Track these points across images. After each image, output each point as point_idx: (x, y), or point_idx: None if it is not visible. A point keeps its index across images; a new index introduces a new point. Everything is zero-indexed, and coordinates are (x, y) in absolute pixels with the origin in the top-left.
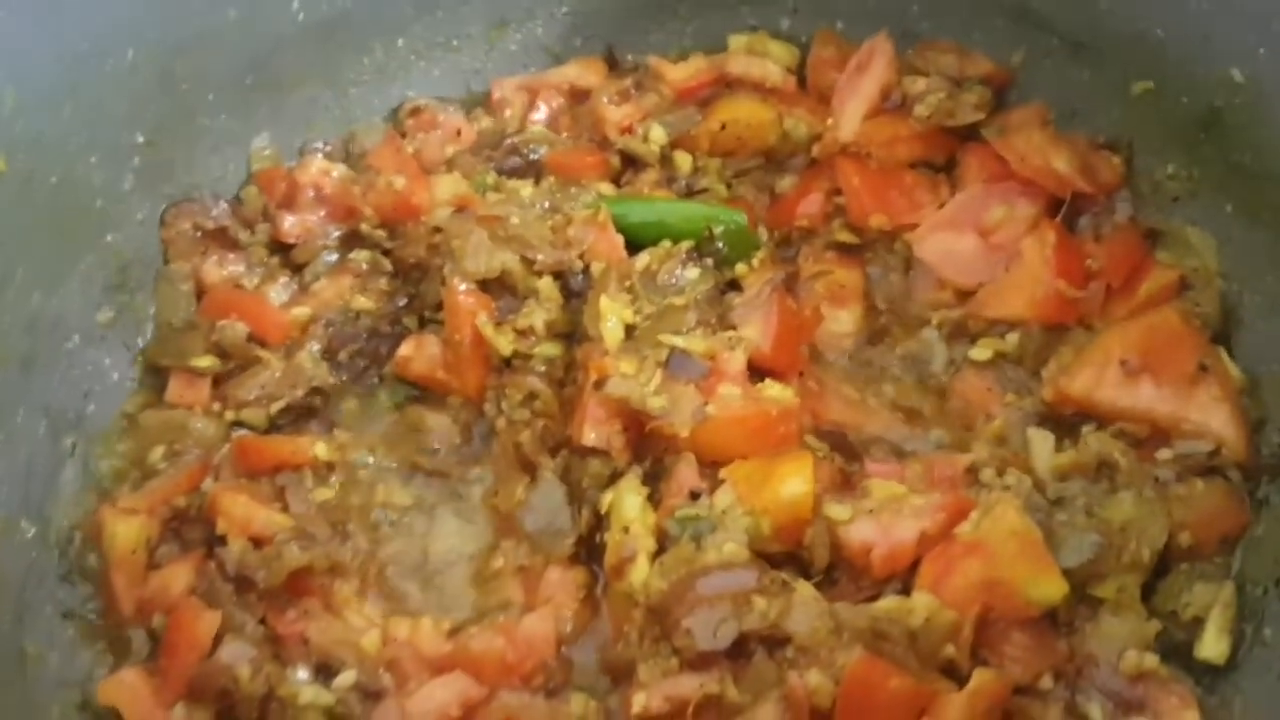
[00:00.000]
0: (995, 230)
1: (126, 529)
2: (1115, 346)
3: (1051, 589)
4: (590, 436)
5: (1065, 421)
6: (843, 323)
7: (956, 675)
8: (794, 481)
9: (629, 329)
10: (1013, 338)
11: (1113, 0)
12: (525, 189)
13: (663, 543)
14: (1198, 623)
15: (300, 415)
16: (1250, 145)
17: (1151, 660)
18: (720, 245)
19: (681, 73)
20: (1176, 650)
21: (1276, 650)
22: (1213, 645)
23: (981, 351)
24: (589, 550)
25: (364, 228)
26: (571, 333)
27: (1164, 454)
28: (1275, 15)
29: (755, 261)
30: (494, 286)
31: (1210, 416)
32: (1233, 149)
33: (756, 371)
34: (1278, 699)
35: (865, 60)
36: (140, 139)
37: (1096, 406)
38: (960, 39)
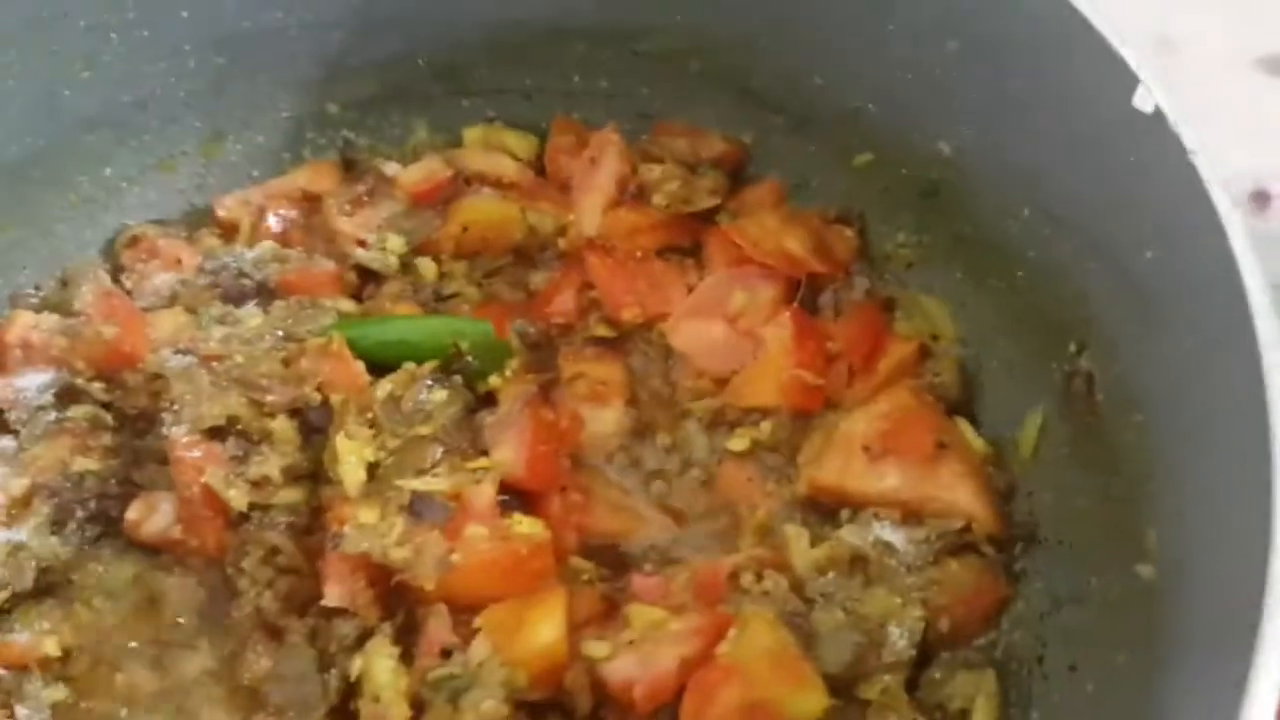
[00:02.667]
0: (740, 316)
1: None
2: (857, 433)
3: (811, 702)
4: (334, 595)
5: (824, 508)
6: (606, 422)
7: None
8: (544, 628)
9: (372, 468)
10: (766, 426)
11: (825, 78)
12: (254, 319)
13: (420, 706)
14: (964, 715)
15: (29, 598)
16: (967, 215)
17: None
18: (469, 360)
19: (415, 175)
20: None
21: None
22: None
23: (739, 442)
24: (344, 718)
25: (79, 382)
26: (315, 473)
27: (917, 534)
28: (976, 95)
29: (509, 372)
30: (224, 433)
31: (955, 494)
32: (954, 218)
33: (515, 493)
34: None
35: (597, 154)
36: None
37: (848, 495)
38: (693, 119)
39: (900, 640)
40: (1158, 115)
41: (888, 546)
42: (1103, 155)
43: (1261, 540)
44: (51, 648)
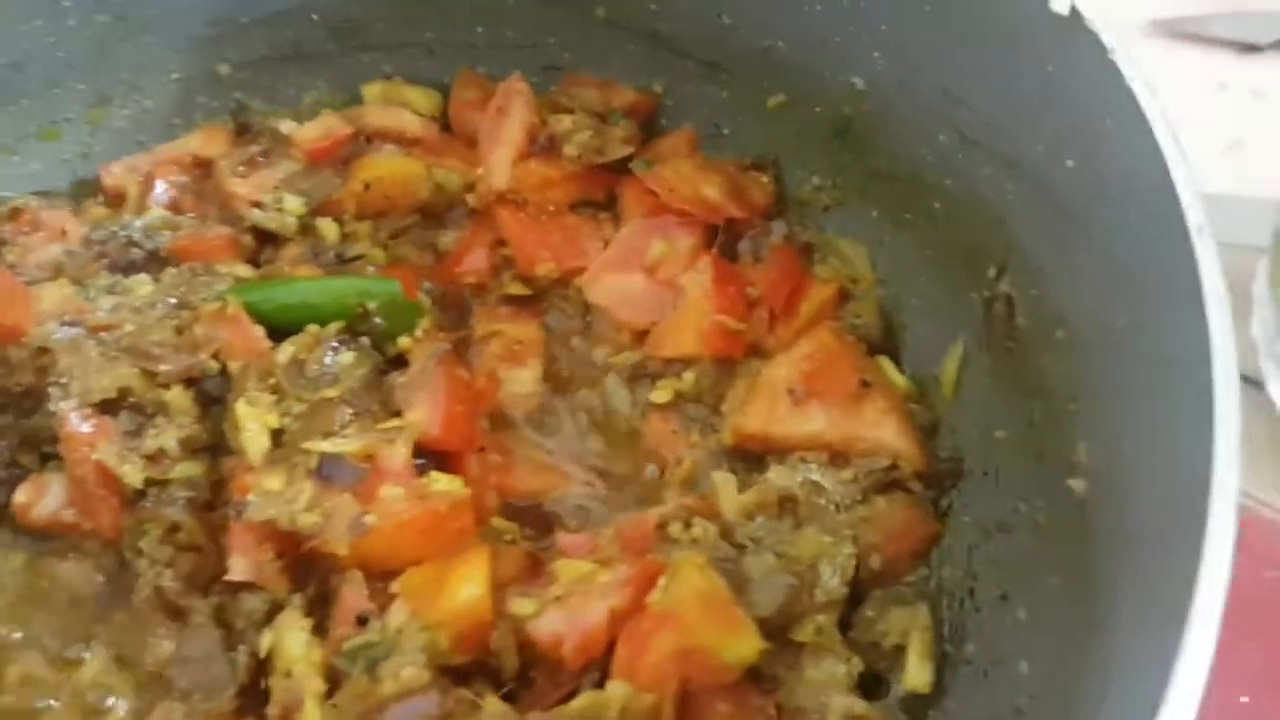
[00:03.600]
0: (659, 266)
1: None
2: (780, 376)
3: (746, 647)
4: (239, 568)
5: (752, 456)
6: (523, 382)
7: None
8: (466, 586)
9: (276, 434)
10: (689, 376)
11: (733, 17)
12: (144, 287)
13: (336, 678)
14: (899, 651)
15: None
16: (882, 150)
17: (860, 706)
18: (376, 320)
19: (312, 133)
20: (882, 684)
21: (980, 665)
22: (916, 674)
23: (661, 394)
24: (256, 700)
25: None
26: (216, 445)
27: (844, 474)
28: (886, 20)
29: (419, 332)
30: (116, 407)
31: (880, 431)
32: (867, 154)
33: (431, 455)
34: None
35: (504, 104)
36: None
37: (773, 440)
38: (600, 70)
39: (832, 579)
40: (1074, 16)
41: (816, 486)
42: (1019, 67)
43: (1205, 437)
44: None
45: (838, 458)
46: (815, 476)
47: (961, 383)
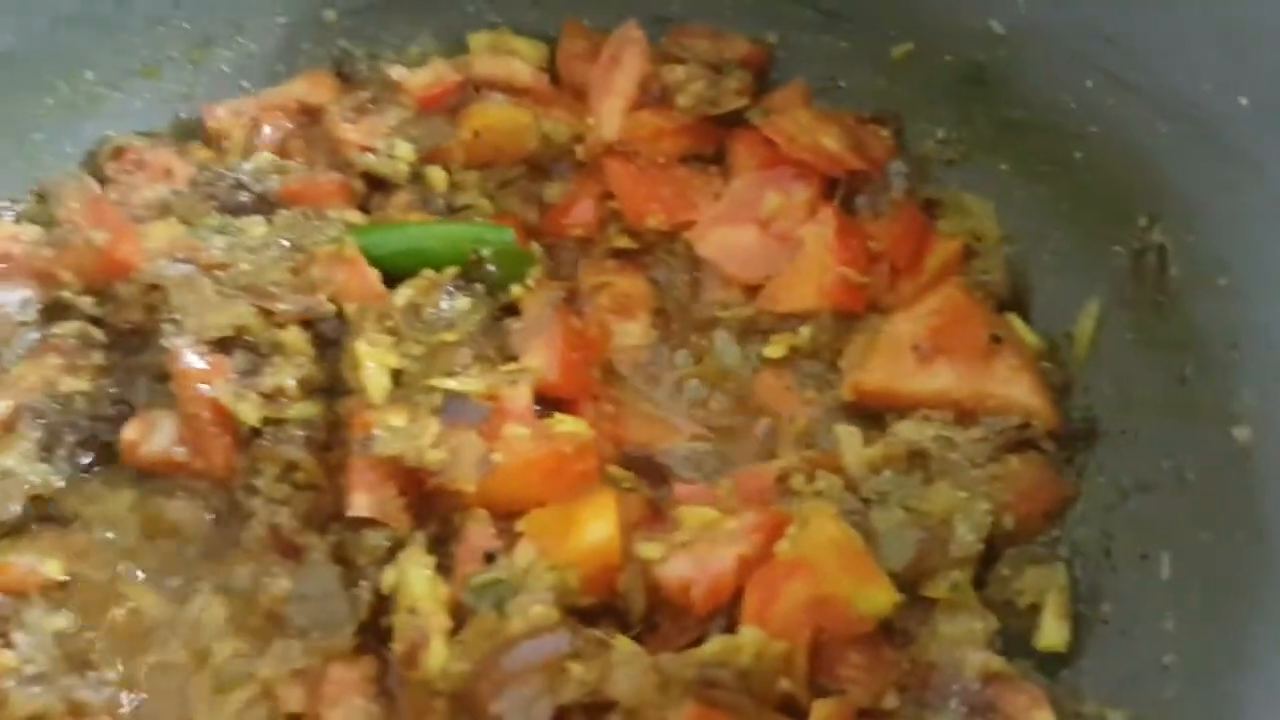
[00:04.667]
0: (774, 220)
1: None
2: (905, 333)
3: (881, 598)
4: (361, 504)
5: (870, 413)
6: (632, 334)
7: (796, 710)
8: (596, 526)
9: (396, 375)
10: (805, 331)
11: None
12: (257, 228)
13: (460, 616)
14: (1035, 610)
15: (17, 529)
16: (1018, 98)
17: (997, 661)
18: (489, 268)
19: (422, 80)
20: (1018, 642)
21: (1117, 625)
22: (1052, 633)
23: (775, 349)
24: (376, 636)
25: (66, 295)
26: (332, 387)
27: (973, 433)
28: None
29: (530, 281)
30: (230, 345)
31: (1012, 388)
32: (1001, 104)
33: (546, 403)
34: (1126, 678)
35: (617, 53)
36: None
37: (897, 397)
38: (713, 20)
39: (968, 535)
40: None
41: (948, 441)
42: None
43: None
44: (54, 570)
45: (965, 415)
46: (946, 432)
47: (1097, 341)
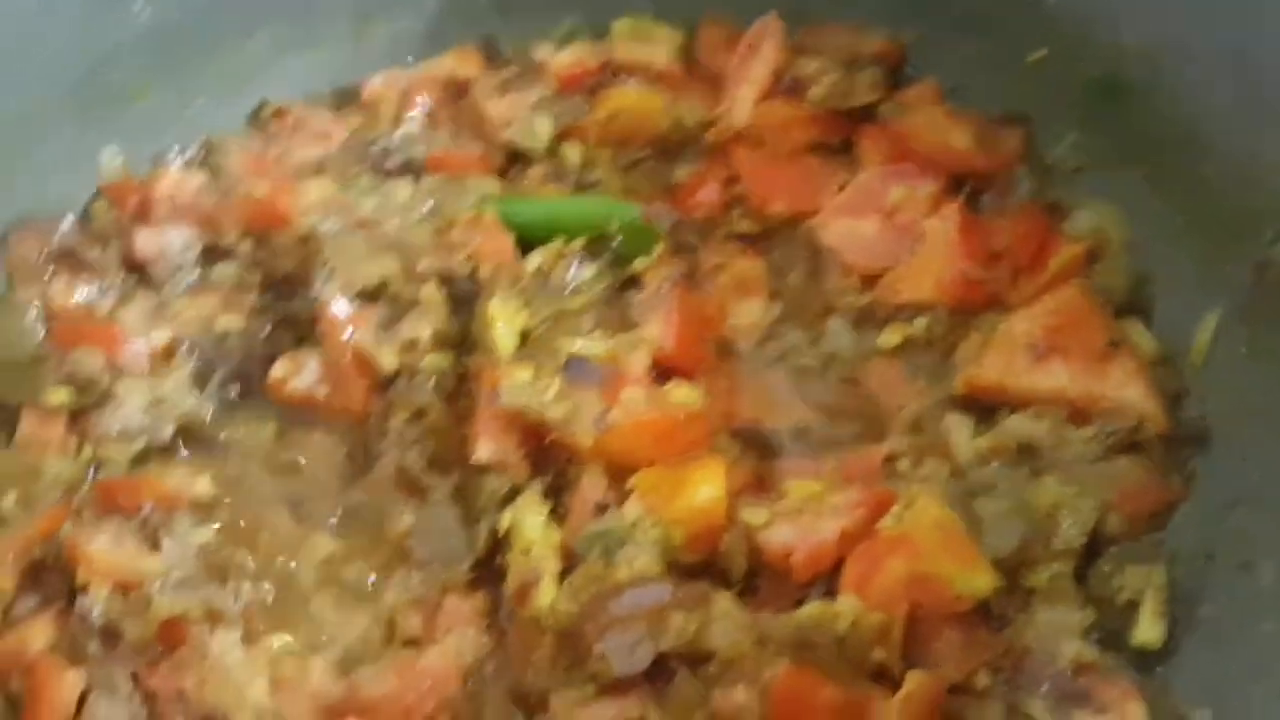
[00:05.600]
0: (897, 211)
1: None
2: (1021, 331)
3: (981, 580)
4: (485, 451)
5: (980, 408)
6: (749, 315)
7: (888, 679)
8: (705, 488)
9: (523, 335)
10: (921, 322)
11: None
12: (403, 191)
13: (570, 561)
14: (1132, 607)
15: (167, 450)
16: (1150, 110)
17: (1091, 652)
18: (616, 241)
19: (565, 61)
20: (1113, 637)
21: (1215, 627)
22: (1148, 630)
23: (890, 338)
24: (491, 574)
25: (227, 240)
26: (462, 343)
27: (1085, 432)
28: None
29: (654, 257)
30: (374, 296)
31: (1126, 391)
32: (1132, 115)
33: (662, 372)
34: (1220, 679)
35: (755, 42)
36: None
37: (1010, 393)
38: (851, 16)
39: (1072, 529)
40: None
41: (1060, 437)
42: None
43: None
44: (202, 489)
45: (1077, 415)
46: (1057, 429)
47: (1214, 351)
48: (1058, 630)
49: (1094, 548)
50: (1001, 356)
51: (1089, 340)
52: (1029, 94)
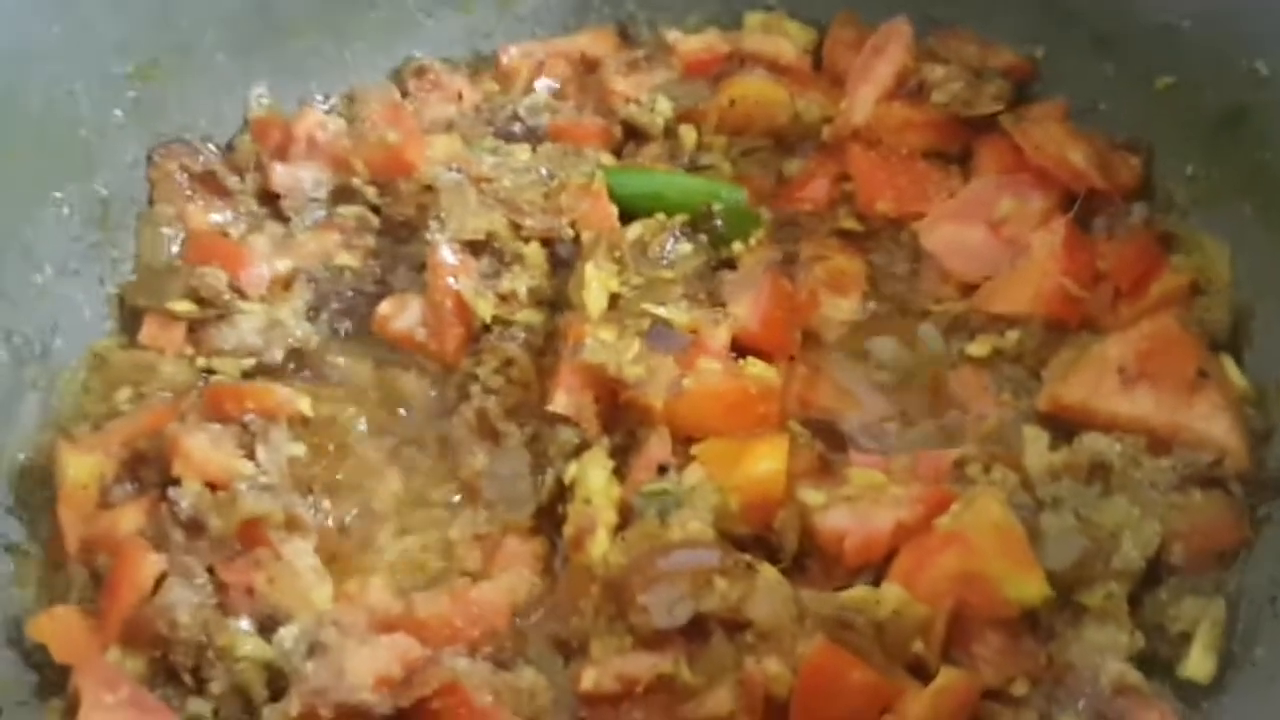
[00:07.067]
0: (1005, 223)
1: (79, 464)
2: (1113, 354)
3: (1032, 588)
4: (561, 403)
5: (1062, 427)
6: (841, 310)
7: (924, 673)
8: (766, 461)
9: (613, 299)
10: (1012, 335)
11: None
12: (523, 153)
13: (627, 518)
14: (1184, 639)
15: (274, 372)
16: (1273, 143)
17: (1134, 675)
18: (718, 222)
19: (694, 46)
20: (1161, 666)
21: (1267, 671)
22: (1198, 664)
23: (980, 347)
24: (551, 522)
25: (355, 183)
26: (556, 302)
27: (1162, 462)
28: None
29: (753, 241)
30: (480, 249)
31: (1211, 425)
32: (1257, 147)
33: (745, 351)
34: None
35: (882, 43)
36: (131, 70)
37: (1093, 415)
38: (982, 28)
39: (1132, 550)
40: None
41: (1134, 460)
42: None
43: None
44: (304, 406)
45: (1158, 444)
46: (1134, 453)
47: None
48: (1104, 649)
49: (1154, 575)
50: (1090, 377)
51: (1179, 370)
52: (1155, 120)
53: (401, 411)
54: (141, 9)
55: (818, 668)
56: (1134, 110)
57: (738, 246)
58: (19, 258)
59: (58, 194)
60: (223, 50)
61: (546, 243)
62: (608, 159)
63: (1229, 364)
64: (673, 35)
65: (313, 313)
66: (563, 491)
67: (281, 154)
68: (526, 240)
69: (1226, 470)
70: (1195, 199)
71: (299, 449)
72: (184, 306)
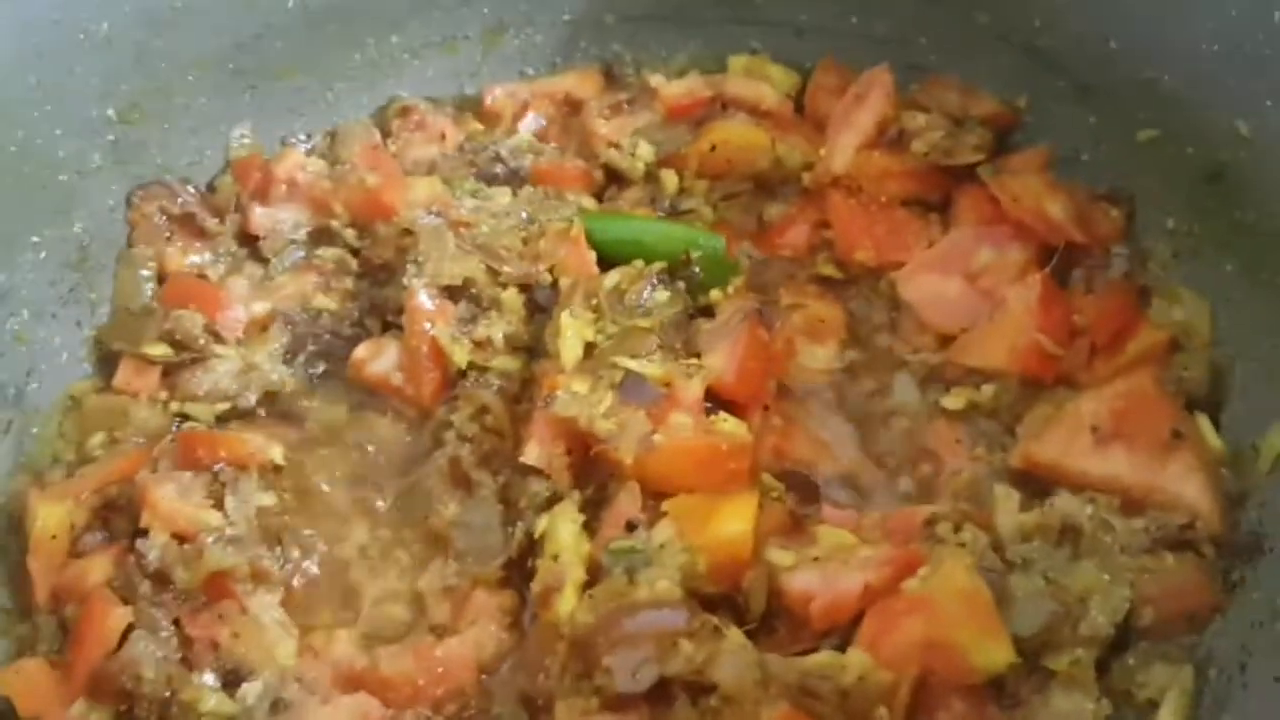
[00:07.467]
0: (983, 274)
1: (49, 513)
2: (1087, 412)
3: (998, 655)
4: (533, 454)
5: (1035, 484)
6: (818, 359)
7: None
8: (734, 521)
9: (589, 348)
10: (988, 389)
11: (1124, 42)
12: (503, 197)
13: (596, 574)
14: (1152, 706)
15: (247, 416)
16: (1254, 202)
17: None
18: (696, 269)
19: (677, 90)
20: None
21: None
22: None
23: (955, 400)
24: (521, 574)
25: (334, 225)
26: (533, 348)
27: (1134, 523)
28: None
29: (731, 289)
30: (458, 294)
31: (1184, 487)
32: (1237, 205)
33: (719, 402)
34: None
35: (863, 91)
36: (112, 114)
37: (1066, 474)
38: (966, 76)
39: (1100, 616)
40: None
41: (1104, 523)
42: None
43: None
44: (276, 455)
45: (1131, 505)
46: (1106, 515)
47: None
48: (1070, 717)
49: (1123, 640)
50: (1063, 435)
51: (1154, 430)
52: (1135, 173)
53: (375, 455)
54: (122, 53)
55: None
56: (1116, 161)
57: (715, 294)
58: None
59: (35, 239)
60: (204, 92)
61: (524, 289)
62: (589, 202)
63: (1205, 424)
64: (656, 79)
65: (289, 355)
66: (533, 545)
67: (262, 195)
68: (504, 286)
69: (1199, 533)
70: (1176, 253)
71: (269, 498)
72: (159, 350)
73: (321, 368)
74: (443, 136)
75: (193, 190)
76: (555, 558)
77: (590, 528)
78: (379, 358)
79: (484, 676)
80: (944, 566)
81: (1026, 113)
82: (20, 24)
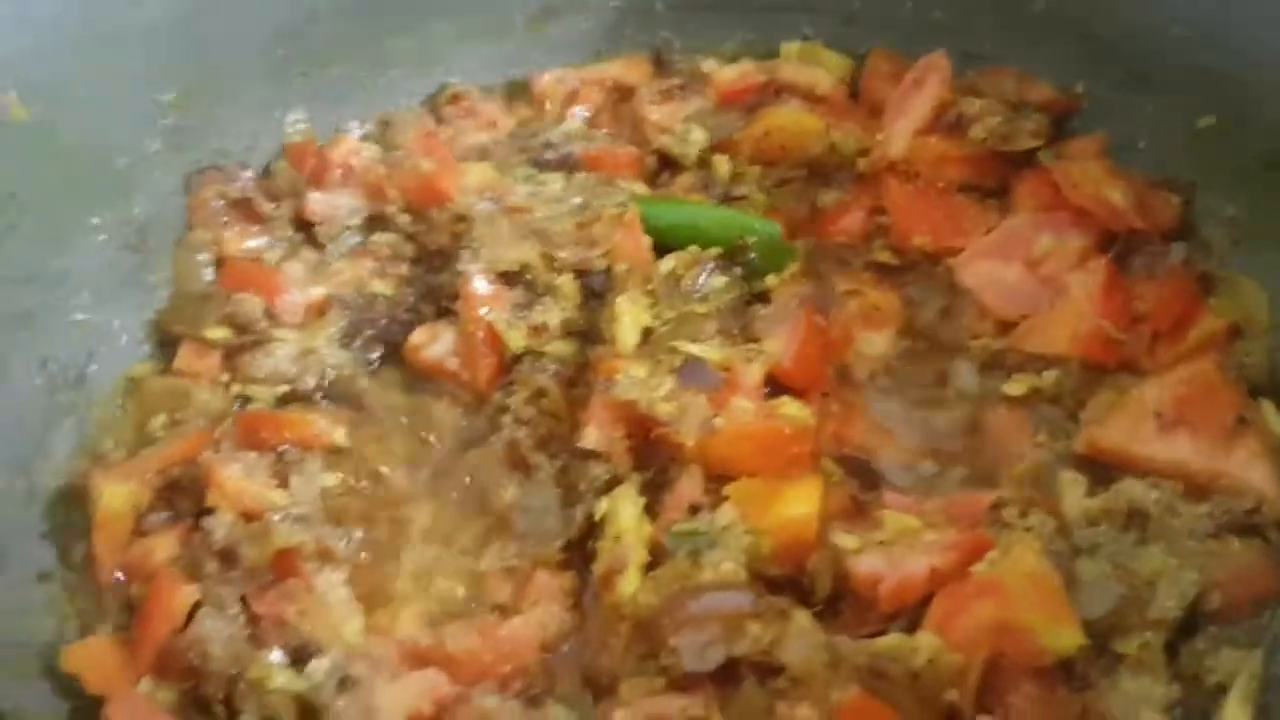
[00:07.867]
0: (1043, 261)
1: (114, 492)
2: (1151, 398)
3: (1068, 638)
4: (592, 438)
5: (1098, 470)
6: (875, 345)
7: None
8: (799, 503)
9: (645, 333)
10: (1050, 375)
11: (1184, 28)
12: (556, 183)
13: (658, 556)
14: (1221, 690)
15: (307, 398)
16: None
17: None
18: (751, 255)
19: (729, 76)
20: (1196, 717)
21: None
22: (1235, 716)
23: (1016, 387)
24: (581, 556)
25: (389, 210)
26: (587, 333)
27: (1200, 509)
28: None
29: (786, 275)
30: (513, 280)
31: (1249, 472)
32: None
33: (777, 387)
34: None
35: (921, 76)
36: (168, 99)
37: (1131, 459)
38: (1022, 63)
39: (1169, 600)
40: None
41: (1170, 507)
42: None
43: None
44: (339, 437)
45: (1195, 490)
46: (1172, 500)
47: None
48: (1140, 700)
49: (1191, 624)
50: (1128, 421)
51: (1218, 416)
52: (1194, 161)
53: (432, 440)
54: (177, 40)
55: (852, 717)
56: (1174, 149)
57: (771, 280)
58: (55, 284)
59: (95, 221)
60: (258, 77)
61: (579, 274)
62: (641, 189)
63: (1269, 409)
64: (708, 64)
65: (345, 340)
66: (593, 527)
67: (317, 181)
68: (559, 272)
69: (1265, 517)
70: (1235, 241)
71: (332, 479)
72: (219, 333)
73: (378, 352)
74: (494, 123)
75: (250, 175)
76: (617, 539)
77: (650, 511)
78: (435, 343)
79: (546, 655)
80: (1013, 551)
81: (1084, 99)
82: (73, 12)
